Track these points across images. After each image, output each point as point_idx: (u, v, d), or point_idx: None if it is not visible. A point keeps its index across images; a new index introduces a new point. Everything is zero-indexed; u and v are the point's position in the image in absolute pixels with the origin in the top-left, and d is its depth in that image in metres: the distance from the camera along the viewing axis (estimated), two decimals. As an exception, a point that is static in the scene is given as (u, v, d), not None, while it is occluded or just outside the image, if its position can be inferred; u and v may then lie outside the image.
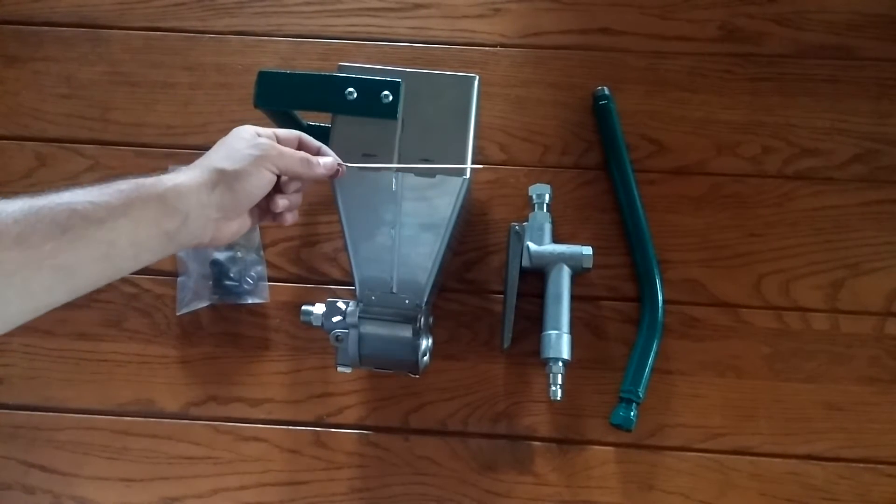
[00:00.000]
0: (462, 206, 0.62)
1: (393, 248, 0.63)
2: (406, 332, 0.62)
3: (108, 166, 0.81)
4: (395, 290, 0.63)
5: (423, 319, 0.63)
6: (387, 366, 0.66)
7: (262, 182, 0.52)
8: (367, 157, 0.61)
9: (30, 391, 0.75)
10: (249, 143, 0.52)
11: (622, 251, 0.77)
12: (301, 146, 0.57)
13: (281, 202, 0.56)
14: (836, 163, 0.79)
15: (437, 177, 0.61)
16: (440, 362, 0.74)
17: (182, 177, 0.49)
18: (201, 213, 0.49)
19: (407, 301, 0.63)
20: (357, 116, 0.62)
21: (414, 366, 0.64)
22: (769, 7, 0.84)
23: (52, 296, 0.43)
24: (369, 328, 0.63)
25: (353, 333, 0.63)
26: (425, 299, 0.63)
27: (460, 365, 0.75)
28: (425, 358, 0.66)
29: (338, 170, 0.58)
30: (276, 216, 0.58)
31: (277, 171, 0.53)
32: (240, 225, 0.54)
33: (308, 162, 0.55)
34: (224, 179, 0.50)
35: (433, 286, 0.64)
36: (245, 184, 0.51)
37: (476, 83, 0.63)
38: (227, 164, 0.51)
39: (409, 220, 0.62)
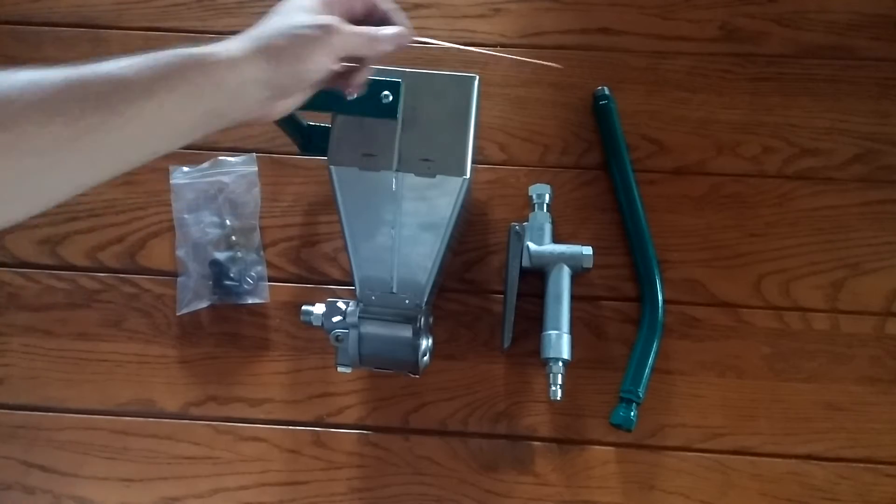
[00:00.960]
0: (462, 206, 0.62)
1: (393, 248, 0.63)
2: (406, 332, 0.62)
3: (107, 166, 0.81)
4: (395, 290, 0.63)
5: (423, 319, 0.63)
6: (387, 366, 0.66)
7: (320, 68, 0.47)
8: (367, 156, 0.61)
9: (30, 391, 0.75)
10: (310, 21, 0.46)
11: (622, 251, 0.77)
12: (368, 12, 0.51)
13: (341, 84, 0.51)
14: (836, 163, 0.79)
15: (437, 177, 0.61)
16: (440, 362, 0.74)
17: (230, 49, 0.44)
18: (251, 90, 0.45)
19: (407, 301, 0.63)
20: (357, 116, 0.62)
21: (414, 366, 0.64)
22: (769, 7, 0.84)
23: (91, 174, 0.40)
24: (369, 328, 0.63)
25: (353, 333, 0.63)
26: (425, 299, 0.63)
27: (460, 365, 0.75)
28: (425, 358, 0.66)
29: (404, 42, 0.52)
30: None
31: (339, 58, 0.48)
32: (293, 101, 0.50)
33: (373, 41, 0.49)
34: (276, 58, 0.45)
35: (433, 286, 0.64)
36: (299, 68, 0.46)
37: (476, 83, 0.63)
38: (281, 42, 0.45)
39: (409, 220, 0.62)
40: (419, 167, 0.61)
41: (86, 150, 0.38)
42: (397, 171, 0.61)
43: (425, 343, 0.65)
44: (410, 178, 0.61)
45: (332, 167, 0.62)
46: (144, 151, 0.43)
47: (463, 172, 0.61)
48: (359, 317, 0.63)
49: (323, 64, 0.47)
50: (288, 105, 0.49)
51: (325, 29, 0.46)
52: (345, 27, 0.48)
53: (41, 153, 0.36)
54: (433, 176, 0.61)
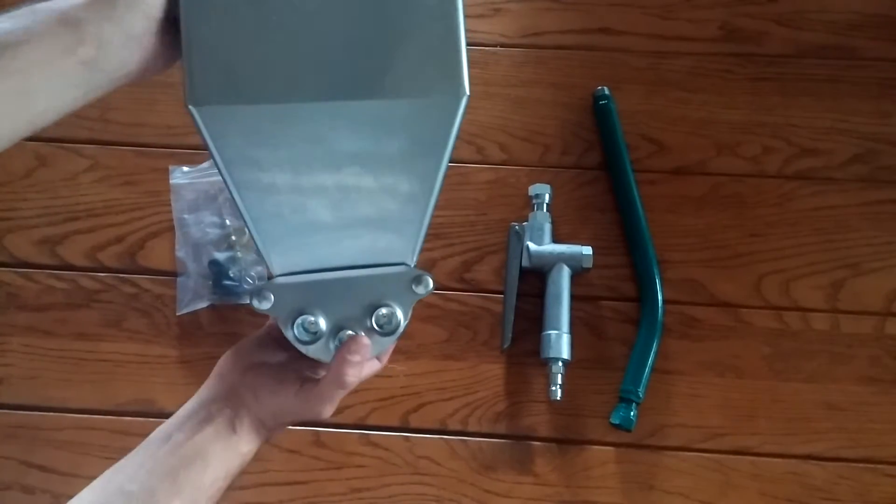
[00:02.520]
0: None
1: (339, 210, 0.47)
2: None
3: (107, 166, 0.81)
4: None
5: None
6: None
7: None
8: (264, 83, 0.43)
9: (29, 391, 0.75)
10: None
11: (622, 251, 0.77)
12: None
13: None
14: (836, 163, 0.79)
15: (410, 100, 0.44)
16: (440, 362, 0.74)
17: None
18: (117, 32, 0.40)
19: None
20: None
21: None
22: (769, 7, 0.84)
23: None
24: None
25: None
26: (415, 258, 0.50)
27: (460, 365, 0.75)
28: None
29: None
30: None
31: None
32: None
33: None
34: None
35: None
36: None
37: None
38: None
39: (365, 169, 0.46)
40: (371, 89, 0.43)
41: None
42: (335, 99, 0.43)
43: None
44: (357, 108, 0.43)
45: (193, 108, 0.42)
46: (20, 119, 0.40)
47: (460, 90, 0.44)
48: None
49: None
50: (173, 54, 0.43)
51: None
52: None
53: None
54: (405, 98, 0.44)
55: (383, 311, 0.49)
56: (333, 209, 0.47)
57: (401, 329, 0.50)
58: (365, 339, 0.48)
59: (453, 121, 0.45)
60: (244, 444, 0.49)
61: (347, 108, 0.44)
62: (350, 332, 0.49)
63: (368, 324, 0.49)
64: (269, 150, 0.45)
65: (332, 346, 0.49)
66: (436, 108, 0.45)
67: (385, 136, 0.45)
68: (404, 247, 0.49)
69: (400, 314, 0.50)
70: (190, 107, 0.42)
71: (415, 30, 0.44)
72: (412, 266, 0.50)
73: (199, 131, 0.43)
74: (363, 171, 0.46)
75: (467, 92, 0.45)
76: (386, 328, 0.50)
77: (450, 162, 0.47)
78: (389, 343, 0.51)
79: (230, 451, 0.48)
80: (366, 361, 0.49)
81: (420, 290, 0.49)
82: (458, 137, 0.47)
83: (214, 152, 0.44)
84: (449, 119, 0.45)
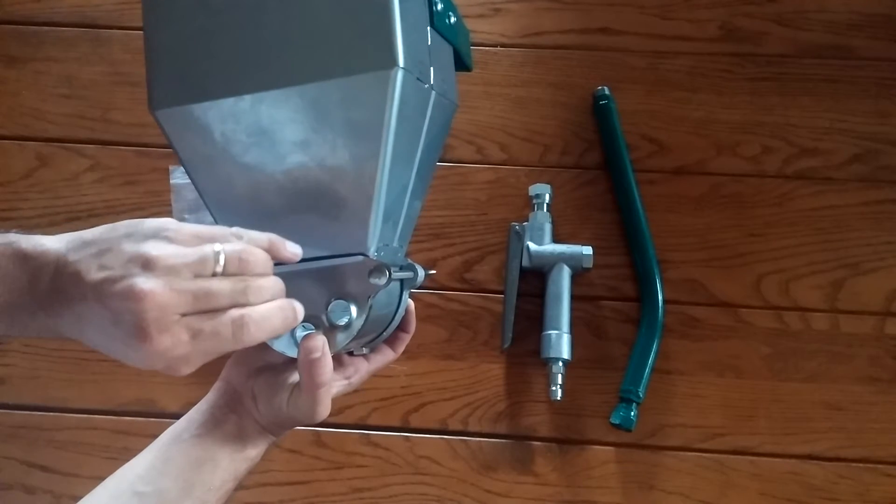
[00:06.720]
0: (401, 109, 0.44)
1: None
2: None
3: (108, 166, 0.81)
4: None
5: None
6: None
7: None
8: (212, 80, 0.44)
9: (30, 391, 0.75)
10: None
11: (622, 251, 0.77)
12: None
13: None
14: (836, 163, 0.79)
15: (346, 78, 0.42)
16: (440, 362, 0.74)
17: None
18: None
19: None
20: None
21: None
22: (769, 7, 0.84)
23: None
24: None
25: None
26: (373, 245, 0.46)
27: (460, 365, 0.75)
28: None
29: None
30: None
31: None
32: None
33: None
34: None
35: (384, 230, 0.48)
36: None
37: None
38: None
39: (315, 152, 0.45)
40: (304, 73, 0.43)
41: None
42: (276, 87, 0.43)
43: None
44: (292, 95, 0.43)
45: (153, 112, 0.45)
46: None
47: (389, 62, 0.41)
48: None
49: None
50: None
51: None
52: None
53: None
54: (335, 78, 0.43)
55: (334, 305, 0.46)
56: (287, 201, 0.46)
57: (355, 324, 0.46)
58: (319, 338, 0.44)
59: (386, 97, 0.42)
60: (251, 449, 0.49)
61: (284, 95, 0.43)
62: (309, 326, 0.46)
63: (324, 319, 0.46)
64: (221, 145, 0.45)
65: (295, 340, 0.47)
66: (367, 84, 0.42)
67: (322, 120, 0.44)
68: (360, 236, 0.46)
69: (353, 308, 0.46)
70: (151, 111, 0.44)
71: (348, 8, 0.43)
72: (370, 256, 0.47)
73: (164, 134, 0.45)
74: (308, 160, 0.45)
75: (399, 64, 0.42)
76: (339, 323, 0.46)
77: (442, 158, 0.46)
78: (348, 338, 0.47)
79: (238, 454, 0.49)
80: (327, 356, 0.45)
81: (377, 281, 0.46)
82: (419, 118, 0.45)
83: (177, 152, 0.45)
84: (381, 95, 0.42)
